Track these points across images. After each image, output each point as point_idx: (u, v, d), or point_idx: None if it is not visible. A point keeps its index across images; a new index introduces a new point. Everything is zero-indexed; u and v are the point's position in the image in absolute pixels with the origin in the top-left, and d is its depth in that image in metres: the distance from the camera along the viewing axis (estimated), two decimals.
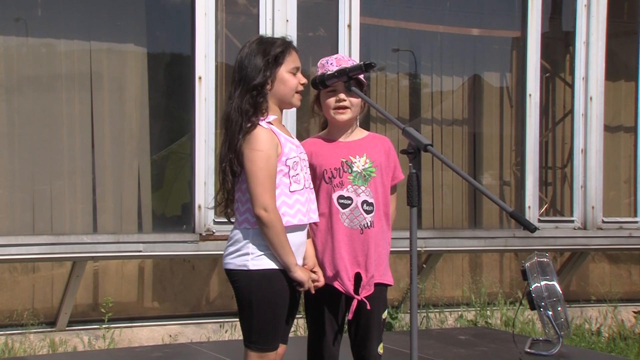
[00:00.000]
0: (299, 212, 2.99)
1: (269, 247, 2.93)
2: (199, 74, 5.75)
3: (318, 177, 3.19)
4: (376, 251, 3.19)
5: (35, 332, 5.66)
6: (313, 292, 3.06)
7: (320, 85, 3.18)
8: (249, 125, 2.93)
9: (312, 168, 3.19)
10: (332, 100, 3.21)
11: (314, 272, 3.10)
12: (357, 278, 3.18)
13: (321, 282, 3.12)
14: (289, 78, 3.01)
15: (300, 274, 2.98)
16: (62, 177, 5.84)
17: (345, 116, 3.22)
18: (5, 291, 5.84)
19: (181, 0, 6.21)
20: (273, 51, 2.99)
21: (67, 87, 5.87)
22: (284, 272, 2.96)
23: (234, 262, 2.97)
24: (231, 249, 2.99)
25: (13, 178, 5.75)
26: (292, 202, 2.98)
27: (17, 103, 5.77)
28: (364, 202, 3.18)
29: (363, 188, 3.18)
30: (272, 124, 2.98)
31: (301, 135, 5.14)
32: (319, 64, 3.26)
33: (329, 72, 3.16)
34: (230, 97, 3.00)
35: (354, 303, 3.16)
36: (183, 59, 6.12)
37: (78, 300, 5.85)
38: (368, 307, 3.16)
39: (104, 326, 5.71)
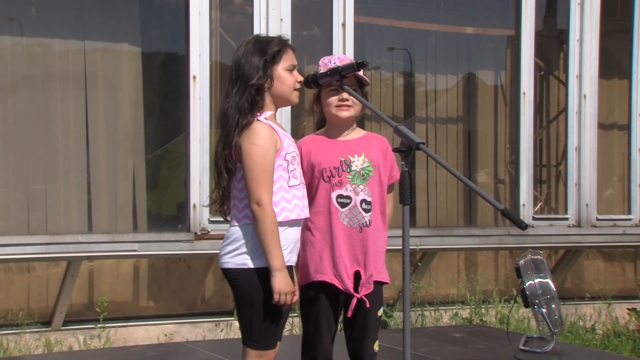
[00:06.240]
0: (297, 206, 2.99)
1: None
2: (194, 73, 5.74)
3: (316, 176, 3.19)
4: (374, 249, 3.20)
5: (30, 332, 5.65)
6: (283, 306, 2.89)
7: (313, 84, 3.17)
8: (245, 122, 2.92)
9: (311, 166, 3.19)
10: (334, 99, 3.21)
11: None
12: (356, 276, 3.19)
13: (294, 300, 2.97)
14: (286, 76, 3.01)
15: (277, 283, 2.86)
16: (57, 176, 5.84)
17: (347, 113, 3.22)
18: (0, 291, 5.83)
19: None
20: (270, 49, 2.99)
21: (62, 86, 5.87)
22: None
23: (233, 260, 2.95)
24: (229, 247, 2.97)
25: (8, 178, 5.74)
26: (290, 197, 2.97)
27: (11, 103, 5.76)
28: (363, 200, 3.19)
29: (362, 187, 3.19)
30: (268, 119, 2.98)
31: (296, 134, 5.15)
32: (320, 62, 3.24)
33: (321, 72, 3.17)
34: (228, 95, 2.99)
35: (354, 301, 3.16)
36: (177, 58, 6.12)
37: (73, 299, 5.85)
38: (367, 306, 3.17)
39: (99, 325, 5.71)
